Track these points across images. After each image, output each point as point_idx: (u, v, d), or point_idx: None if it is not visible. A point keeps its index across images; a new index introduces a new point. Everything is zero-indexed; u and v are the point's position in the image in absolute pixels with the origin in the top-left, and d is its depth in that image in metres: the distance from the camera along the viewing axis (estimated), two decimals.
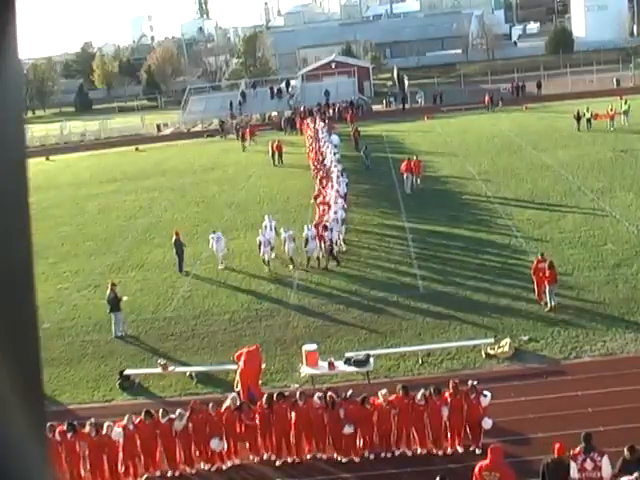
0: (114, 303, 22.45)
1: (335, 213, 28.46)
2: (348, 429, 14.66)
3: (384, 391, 15.02)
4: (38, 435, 0.94)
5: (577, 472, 11.86)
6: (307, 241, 26.15)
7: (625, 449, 11.90)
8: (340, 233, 27.98)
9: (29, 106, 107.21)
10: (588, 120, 46.64)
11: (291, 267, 26.65)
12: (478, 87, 74.21)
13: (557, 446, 12.19)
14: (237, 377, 17.22)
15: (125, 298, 23.04)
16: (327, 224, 26.68)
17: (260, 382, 17.47)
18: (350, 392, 15.31)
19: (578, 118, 47.10)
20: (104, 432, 14.70)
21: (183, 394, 18.37)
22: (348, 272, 25.97)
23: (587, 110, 47.05)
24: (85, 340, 22.66)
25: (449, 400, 14.59)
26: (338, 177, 33.88)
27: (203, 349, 21.05)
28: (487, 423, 14.50)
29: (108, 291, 22.86)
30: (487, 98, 63.72)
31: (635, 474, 11.20)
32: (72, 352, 21.86)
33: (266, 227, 28.00)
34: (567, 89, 67.16)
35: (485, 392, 14.74)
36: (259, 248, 26.84)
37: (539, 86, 68.80)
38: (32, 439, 0.92)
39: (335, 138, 46.75)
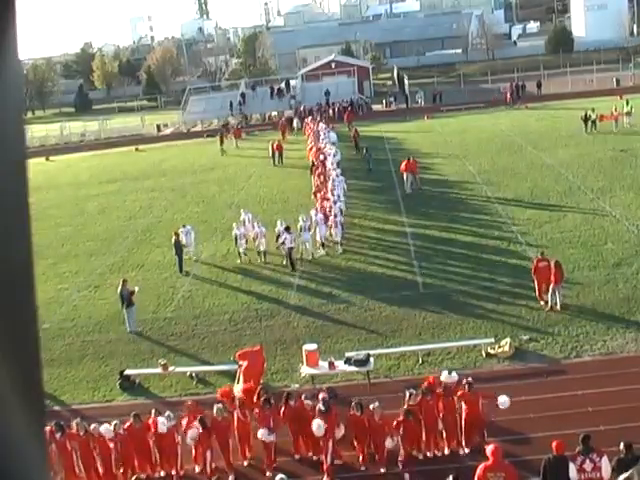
0: (128, 299, 22.59)
1: (336, 216, 28.47)
2: (338, 433, 14.54)
3: (376, 404, 14.64)
4: (38, 435, 0.94)
5: (576, 473, 11.87)
6: (278, 236, 26.64)
7: (621, 445, 11.90)
8: (337, 233, 28.11)
9: (29, 106, 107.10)
10: (593, 122, 46.09)
11: (261, 261, 27.34)
12: (478, 87, 74.21)
13: (555, 444, 12.21)
14: (239, 374, 17.22)
15: (137, 289, 23.12)
16: (289, 226, 26.84)
17: (261, 381, 17.46)
18: (322, 395, 15.00)
19: (586, 119, 46.06)
20: (92, 428, 14.72)
21: (183, 394, 18.39)
22: (348, 272, 25.98)
23: (592, 111, 46.65)
24: (85, 340, 22.67)
25: (441, 402, 14.52)
26: (333, 180, 33.85)
27: (203, 349, 21.06)
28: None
29: (120, 288, 23.00)
30: (508, 95, 63.80)
31: (630, 471, 11.21)
32: (72, 352, 21.88)
33: (243, 221, 28.54)
34: (567, 89, 67.07)
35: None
36: (235, 241, 27.72)
37: (539, 86, 68.67)
38: (32, 439, 0.92)
39: (332, 135, 46.81)
